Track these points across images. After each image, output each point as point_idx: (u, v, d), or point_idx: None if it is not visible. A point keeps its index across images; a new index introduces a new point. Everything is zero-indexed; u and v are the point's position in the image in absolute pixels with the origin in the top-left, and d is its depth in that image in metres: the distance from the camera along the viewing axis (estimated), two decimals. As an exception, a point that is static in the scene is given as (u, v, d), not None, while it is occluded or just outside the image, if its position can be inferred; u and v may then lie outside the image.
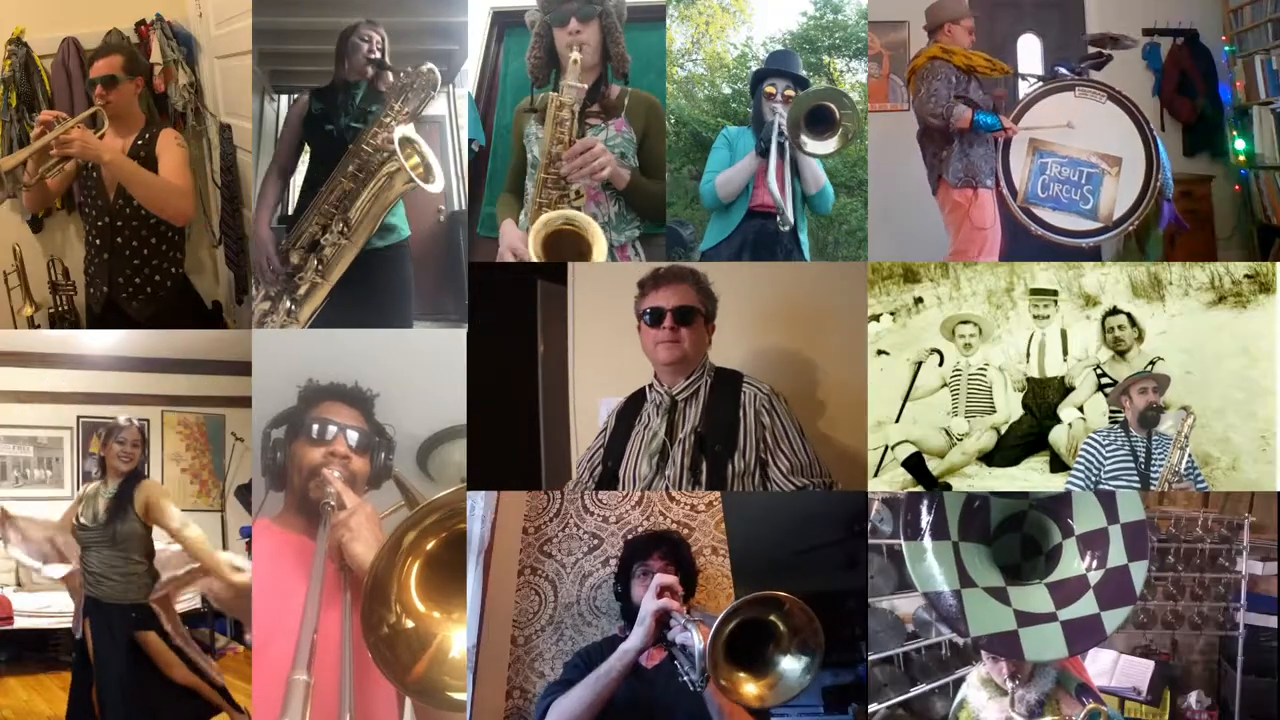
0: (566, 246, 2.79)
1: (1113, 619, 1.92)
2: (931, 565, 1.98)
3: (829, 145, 2.88)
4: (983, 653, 1.96)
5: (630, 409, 2.65)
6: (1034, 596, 1.96)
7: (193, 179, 3.26)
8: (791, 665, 2.14)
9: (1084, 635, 1.90)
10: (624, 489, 2.61)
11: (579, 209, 2.85)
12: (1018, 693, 1.93)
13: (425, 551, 2.02)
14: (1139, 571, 1.95)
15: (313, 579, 2.01)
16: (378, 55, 3.05)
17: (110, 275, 3.22)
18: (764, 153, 2.95)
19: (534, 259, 2.75)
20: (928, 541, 1.99)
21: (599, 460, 2.65)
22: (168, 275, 3.27)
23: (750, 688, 2.13)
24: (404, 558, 2.00)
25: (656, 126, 3.00)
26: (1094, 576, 1.97)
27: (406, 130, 2.95)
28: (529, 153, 2.99)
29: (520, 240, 2.89)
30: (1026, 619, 1.92)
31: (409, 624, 1.99)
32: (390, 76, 3.04)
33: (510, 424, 3.42)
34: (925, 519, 2.00)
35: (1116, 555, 1.98)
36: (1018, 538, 2.09)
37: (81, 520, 3.06)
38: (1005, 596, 1.95)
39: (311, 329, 3.02)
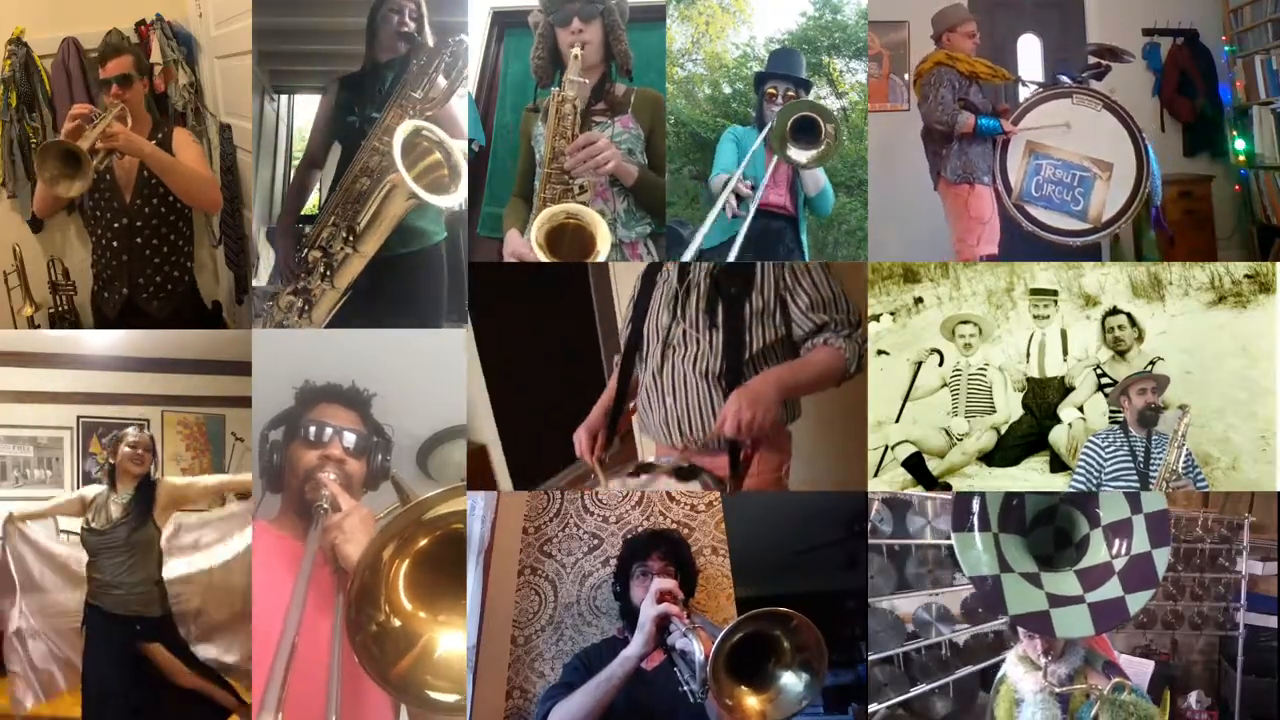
0: (570, 240, 2.75)
1: (1136, 601, 2.11)
2: (977, 553, 2.17)
3: (809, 155, 2.89)
4: (1020, 631, 2.16)
5: (655, 267, 2.66)
6: (1064, 581, 2.16)
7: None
8: (792, 681, 2.16)
9: (1109, 616, 2.10)
10: (647, 343, 2.57)
11: (584, 204, 2.81)
12: (1050, 667, 2.12)
13: (414, 551, 2.02)
14: (1161, 557, 2.13)
15: (298, 585, 1.99)
16: (410, 27, 2.91)
17: (131, 276, 3.23)
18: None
19: (538, 253, 2.71)
20: (975, 533, 2.19)
21: (629, 319, 2.65)
22: (185, 271, 3.31)
23: (751, 700, 2.14)
24: (393, 557, 1.99)
25: (661, 122, 2.99)
26: (1119, 563, 2.16)
27: (416, 121, 2.75)
28: (536, 153, 2.97)
29: (524, 247, 2.85)
30: (1057, 601, 2.12)
31: (396, 623, 1.99)
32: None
33: (512, 423, 3.44)
34: (973, 513, 2.20)
35: (1140, 543, 2.16)
36: (1050, 530, 2.28)
37: (93, 525, 3.06)
38: (1038, 581, 2.15)
39: (312, 329, 3.01)
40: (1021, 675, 2.19)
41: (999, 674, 2.28)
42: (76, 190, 2.84)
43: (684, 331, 2.50)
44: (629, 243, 2.95)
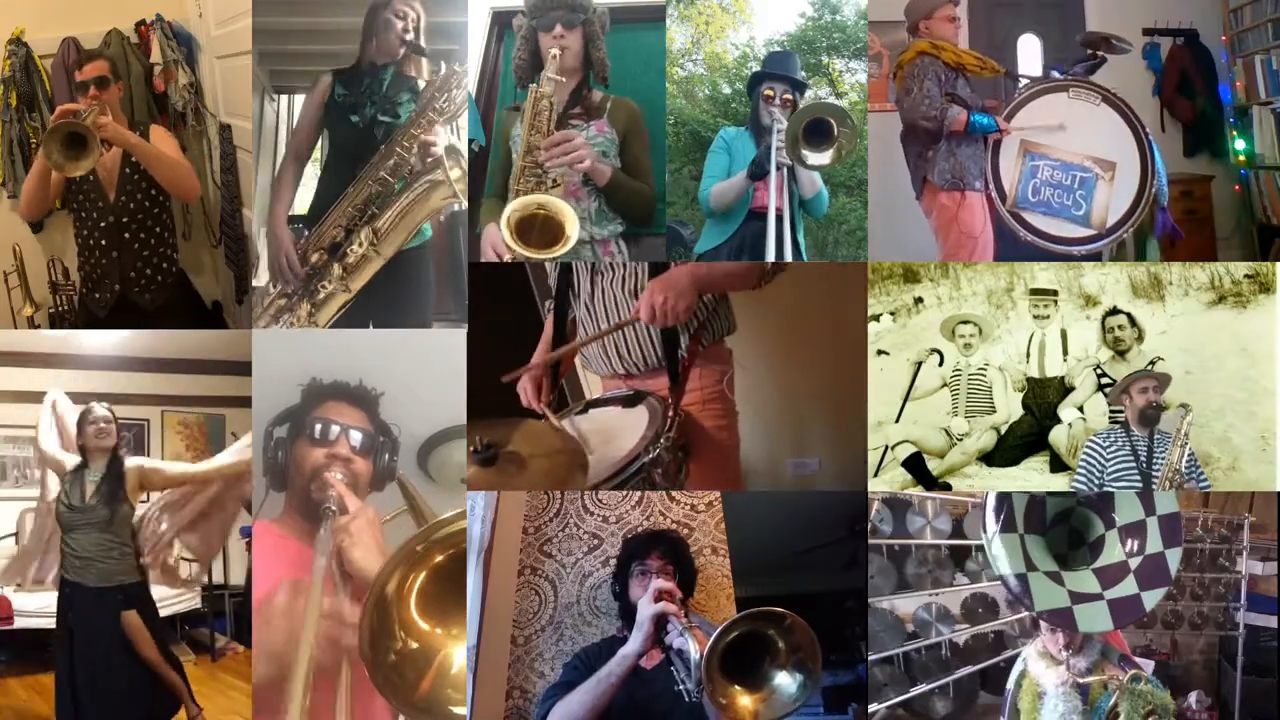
0: (540, 230, 2.78)
1: (1151, 598, 2.24)
2: (1003, 554, 2.28)
3: (824, 157, 2.89)
4: (1041, 627, 2.30)
5: None
6: (1084, 579, 2.27)
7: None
8: (786, 681, 2.17)
9: (1126, 611, 2.23)
10: (577, 276, 2.64)
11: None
12: (1071, 660, 2.24)
13: (427, 567, 2.01)
14: (1173, 557, 2.26)
15: (312, 594, 1.98)
16: (412, 35, 3.00)
17: (122, 272, 3.26)
18: (755, 176, 2.96)
19: (508, 239, 2.73)
20: (1001, 534, 2.30)
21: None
22: (173, 263, 3.34)
23: (744, 700, 2.14)
24: (404, 579, 1.98)
25: (635, 131, 3.03)
26: (1134, 562, 2.27)
27: (452, 139, 2.93)
28: (513, 154, 3.01)
29: (499, 241, 2.88)
30: (1078, 598, 2.23)
31: (413, 645, 1.98)
32: (425, 63, 2.98)
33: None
34: (999, 516, 2.31)
35: (1154, 543, 2.28)
36: (1065, 530, 2.38)
37: (69, 501, 3.05)
38: (1060, 579, 2.26)
39: (311, 328, 3.02)
40: (1043, 670, 2.29)
41: (1019, 669, 2.37)
42: (83, 169, 2.95)
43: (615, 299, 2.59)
44: (600, 240, 2.99)
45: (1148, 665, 3.04)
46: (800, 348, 3.18)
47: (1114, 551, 2.29)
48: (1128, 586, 2.23)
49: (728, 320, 2.65)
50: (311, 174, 3.18)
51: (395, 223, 2.94)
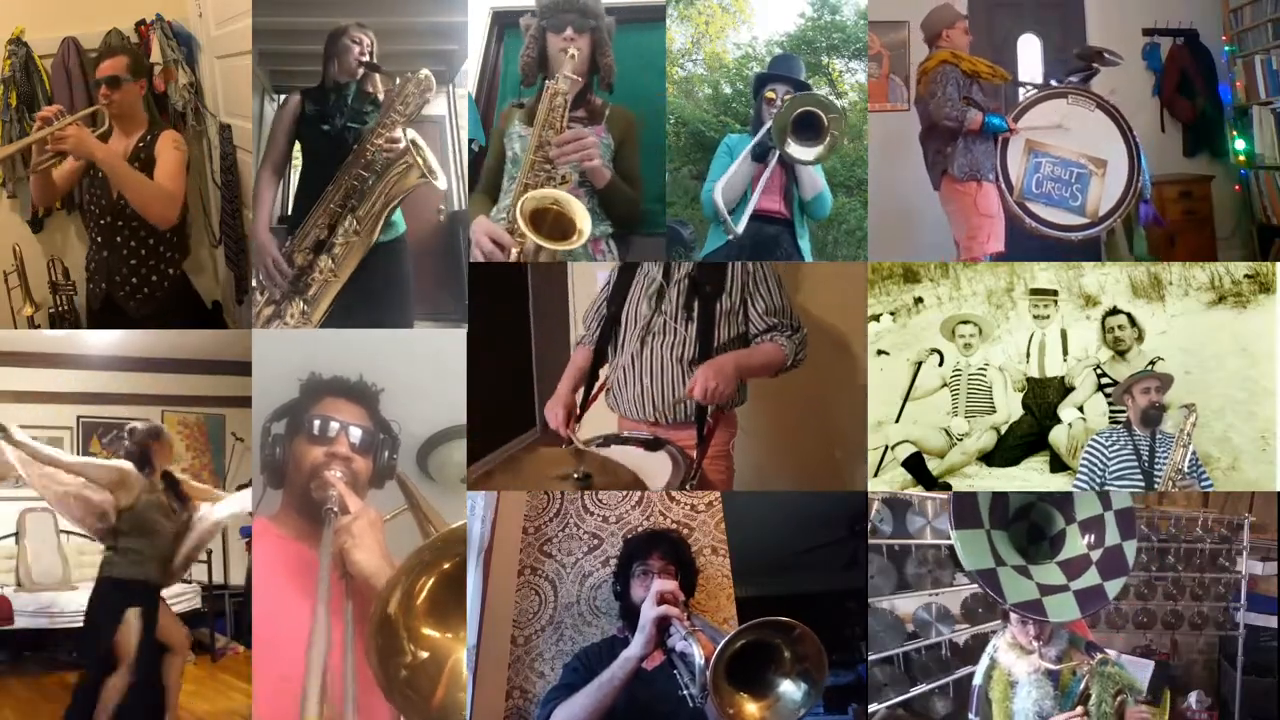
0: (551, 224, 2.86)
1: (1113, 587, 2.38)
2: (974, 550, 2.42)
3: (814, 152, 2.91)
4: (1011, 619, 2.41)
5: (630, 266, 2.94)
6: (1050, 572, 2.42)
7: (185, 183, 3.25)
8: (791, 690, 2.17)
9: (1091, 600, 2.37)
10: (624, 328, 2.84)
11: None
12: (1042, 650, 2.35)
13: (433, 578, 1.99)
14: (1130, 548, 2.40)
15: (319, 598, 1.95)
16: (368, 57, 3.10)
17: (109, 273, 3.24)
18: (759, 156, 2.97)
19: (523, 230, 2.81)
20: (968, 531, 2.44)
21: (603, 308, 2.91)
22: (165, 276, 3.28)
23: (750, 707, 2.14)
24: (408, 591, 1.96)
25: (630, 140, 3.06)
26: (1095, 554, 2.42)
27: (412, 134, 3.03)
28: (509, 150, 3.04)
29: (495, 227, 2.94)
30: (1046, 589, 2.38)
31: (423, 655, 1.96)
32: (379, 79, 3.09)
33: (510, 423, 3.44)
34: (967, 512, 2.45)
35: (1112, 536, 2.42)
36: (1025, 526, 2.52)
37: (123, 504, 2.99)
38: (1028, 573, 2.41)
39: (310, 328, 3.02)
40: (1014, 660, 2.39)
41: (986, 662, 2.46)
42: None
43: (664, 321, 2.79)
44: (593, 239, 3.01)
45: (1147, 666, 3.07)
46: (799, 389, 3.16)
47: (1075, 545, 2.45)
48: (1091, 577, 2.38)
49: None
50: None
51: (374, 209, 3.04)
